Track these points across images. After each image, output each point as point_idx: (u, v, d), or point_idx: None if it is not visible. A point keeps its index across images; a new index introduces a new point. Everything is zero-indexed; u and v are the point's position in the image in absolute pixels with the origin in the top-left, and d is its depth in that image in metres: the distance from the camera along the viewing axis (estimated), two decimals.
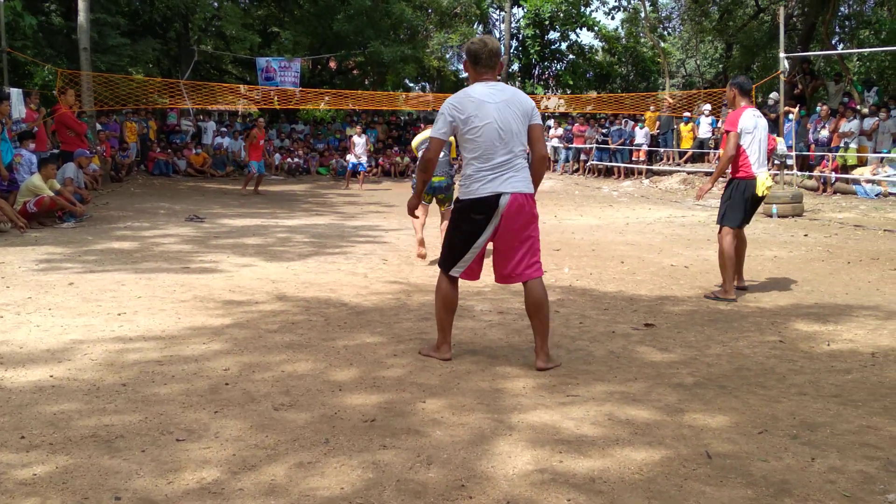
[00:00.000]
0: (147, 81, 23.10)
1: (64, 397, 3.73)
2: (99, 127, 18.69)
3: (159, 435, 3.27)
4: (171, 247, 9.08)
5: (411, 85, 35.75)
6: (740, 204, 6.45)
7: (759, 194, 6.44)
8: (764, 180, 6.40)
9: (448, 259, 4.49)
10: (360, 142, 20.64)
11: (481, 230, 4.32)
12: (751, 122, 6.41)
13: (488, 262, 4.52)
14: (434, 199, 8.34)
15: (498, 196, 4.25)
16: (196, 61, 25.32)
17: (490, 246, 4.47)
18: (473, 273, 4.50)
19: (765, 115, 19.10)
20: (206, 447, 3.15)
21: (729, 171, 6.58)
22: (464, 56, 4.48)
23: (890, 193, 14.88)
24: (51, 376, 4.05)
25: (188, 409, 3.61)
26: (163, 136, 23.43)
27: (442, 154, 7.46)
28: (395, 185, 20.46)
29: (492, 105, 4.25)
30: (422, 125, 20.94)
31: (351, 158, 20.87)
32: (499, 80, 4.46)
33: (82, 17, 17.31)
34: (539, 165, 4.49)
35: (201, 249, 8.86)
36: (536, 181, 4.46)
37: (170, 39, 26.49)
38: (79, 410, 3.55)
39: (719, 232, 6.58)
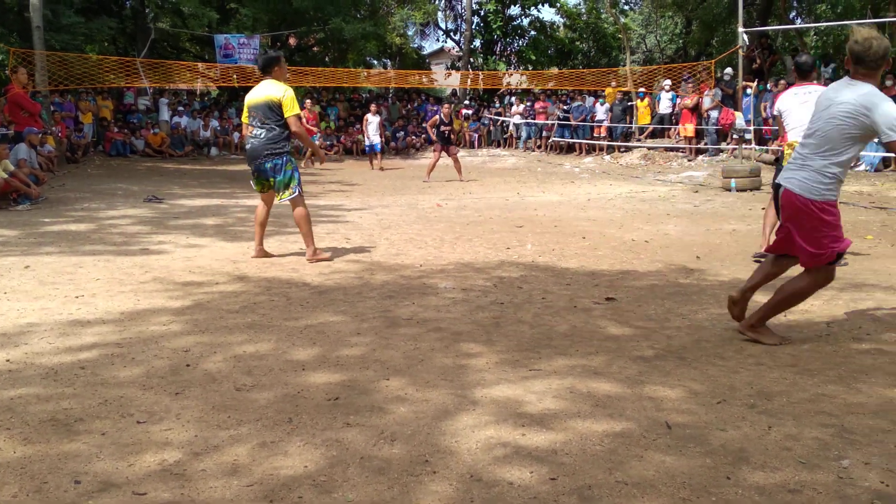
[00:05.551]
0: (102, 60, 22.63)
1: (21, 382, 3.67)
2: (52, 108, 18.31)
3: (119, 418, 3.24)
4: (130, 228, 8.95)
5: (373, 62, 35.47)
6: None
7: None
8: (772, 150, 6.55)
9: None
10: (374, 121, 20.08)
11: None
12: (786, 102, 6.78)
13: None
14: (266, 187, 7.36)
15: (779, 185, 4.51)
16: (153, 39, 24.89)
17: None
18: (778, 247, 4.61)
19: (722, 90, 19.14)
20: (167, 429, 3.12)
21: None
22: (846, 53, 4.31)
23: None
24: (7, 360, 3.98)
25: (148, 391, 3.57)
26: (120, 116, 22.97)
27: (262, 131, 6.90)
28: (356, 164, 20.28)
29: (829, 108, 4.22)
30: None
31: (368, 139, 20.33)
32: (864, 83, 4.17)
33: None
34: None
35: (160, 230, 8.75)
36: None
37: (125, 17, 25.95)
38: (37, 394, 3.49)
39: None
